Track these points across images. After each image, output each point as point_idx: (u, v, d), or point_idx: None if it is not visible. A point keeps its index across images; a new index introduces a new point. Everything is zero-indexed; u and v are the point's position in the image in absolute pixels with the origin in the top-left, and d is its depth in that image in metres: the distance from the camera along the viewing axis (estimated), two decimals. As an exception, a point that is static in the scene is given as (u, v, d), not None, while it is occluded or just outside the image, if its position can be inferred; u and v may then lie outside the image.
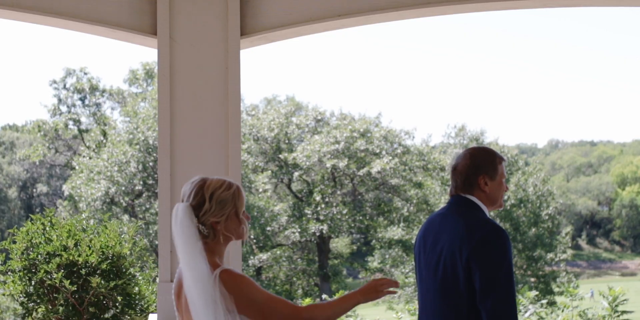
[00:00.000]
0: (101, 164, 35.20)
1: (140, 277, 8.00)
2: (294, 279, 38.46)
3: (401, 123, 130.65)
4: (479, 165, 4.49)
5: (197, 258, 3.69)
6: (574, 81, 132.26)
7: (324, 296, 15.19)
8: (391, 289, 4.00)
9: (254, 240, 36.13)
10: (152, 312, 7.51)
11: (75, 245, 7.70)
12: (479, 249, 4.27)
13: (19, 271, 7.72)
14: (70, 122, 41.71)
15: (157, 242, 8.88)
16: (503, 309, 4.21)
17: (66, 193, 38.91)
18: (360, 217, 38.39)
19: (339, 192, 38.47)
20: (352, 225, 38.41)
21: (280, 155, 38.35)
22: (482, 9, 6.17)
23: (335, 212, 37.55)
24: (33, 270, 7.66)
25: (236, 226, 3.84)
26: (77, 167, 37.06)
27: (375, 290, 3.97)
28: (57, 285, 7.45)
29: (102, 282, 7.50)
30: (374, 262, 39.11)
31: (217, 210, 3.80)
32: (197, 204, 3.80)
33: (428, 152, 39.23)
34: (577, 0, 6.28)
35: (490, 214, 4.54)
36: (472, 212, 4.43)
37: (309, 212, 37.88)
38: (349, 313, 18.29)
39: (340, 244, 41.68)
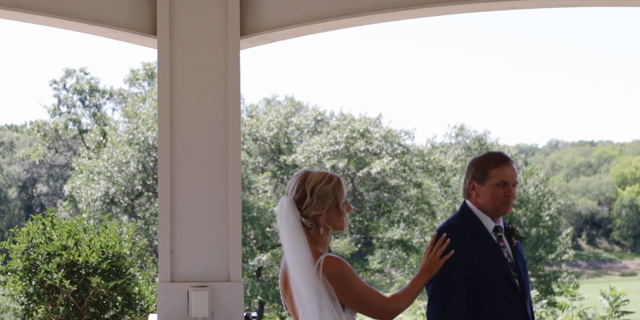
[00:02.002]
0: (101, 164, 35.19)
1: (140, 277, 8.00)
2: (294, 279, 38.36)
3: (401, 123, 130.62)
4: (468, 171, 4.55)
5: (301, 249, 3.89)
6: (574, 81, 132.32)
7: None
8: (446, 256, 4.17)
9: (254, 241, 36.13)
10: (152, 312, 7.51)
11: (76, 245, 7.71)
12: None
13: (20, 271, 7.72)
14: (70, 123, 41.69)
15: (157, 242, 8.88)
16: (435, 318, 4.23)
17: (66, 193, 38.89)
18: (361, 218, 38.38)
19: (339, 193, 38.45)
20: (352, 225, 38.40)
21: (279, 157, 38.32)
22: (482, 9, 6.16)
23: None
24: (33, 270, 7.67)
25: (337, 217, 4.02)
26: (76, 168, 37.05)
27: (434, 263, 4.18)
28: (57, 285, 7.45)
29: (102, 282, 7.51)
30: (374, 262, 39.12)
31: (318, 204, 3.98)
32: (299, 198, 3.99)
33: (428, 153, 39.20)
34: (577, 0, 6.27)
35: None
36: (454, 216, 4.51)
37: (309, 212, 37.77)
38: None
39: (341, 244, 41.67)
